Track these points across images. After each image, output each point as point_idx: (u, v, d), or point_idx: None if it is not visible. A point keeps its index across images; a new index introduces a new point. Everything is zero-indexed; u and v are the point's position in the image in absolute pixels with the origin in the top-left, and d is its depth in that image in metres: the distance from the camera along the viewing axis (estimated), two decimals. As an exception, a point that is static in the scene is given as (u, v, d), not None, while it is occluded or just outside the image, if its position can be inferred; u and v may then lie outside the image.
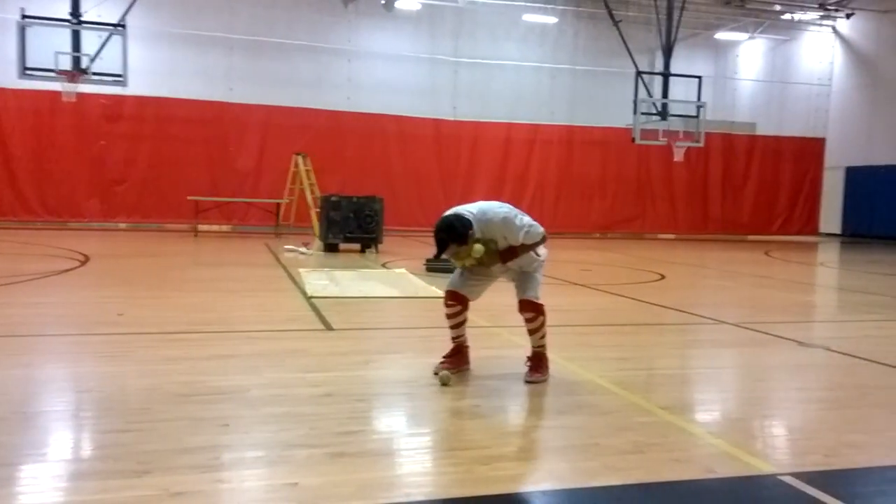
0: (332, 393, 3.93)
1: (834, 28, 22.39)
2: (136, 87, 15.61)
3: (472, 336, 5.71)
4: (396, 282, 8.72)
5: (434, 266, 9.88)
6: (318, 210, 15.05)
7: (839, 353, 5.54)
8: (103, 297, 7.27)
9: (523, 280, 4.54)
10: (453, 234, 4.27)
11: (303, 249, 12.43)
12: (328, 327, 5.82)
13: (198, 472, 2.79)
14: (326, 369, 4.48)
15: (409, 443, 3.33)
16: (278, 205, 17.01)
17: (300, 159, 17.05)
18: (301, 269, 9.58)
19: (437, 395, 3.99)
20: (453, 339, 4.63)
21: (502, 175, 20.41)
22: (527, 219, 4.58)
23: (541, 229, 4.57)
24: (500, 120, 20.37)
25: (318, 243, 13.94)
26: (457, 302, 4.60)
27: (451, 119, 20.28)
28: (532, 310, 4.44)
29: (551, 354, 4.56)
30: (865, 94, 21.50)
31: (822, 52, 22.76)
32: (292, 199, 17.59)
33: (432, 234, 4.35)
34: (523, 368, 4.47)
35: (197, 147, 18.15)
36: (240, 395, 3.85)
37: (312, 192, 16.52)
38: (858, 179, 21.51)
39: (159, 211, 17.92)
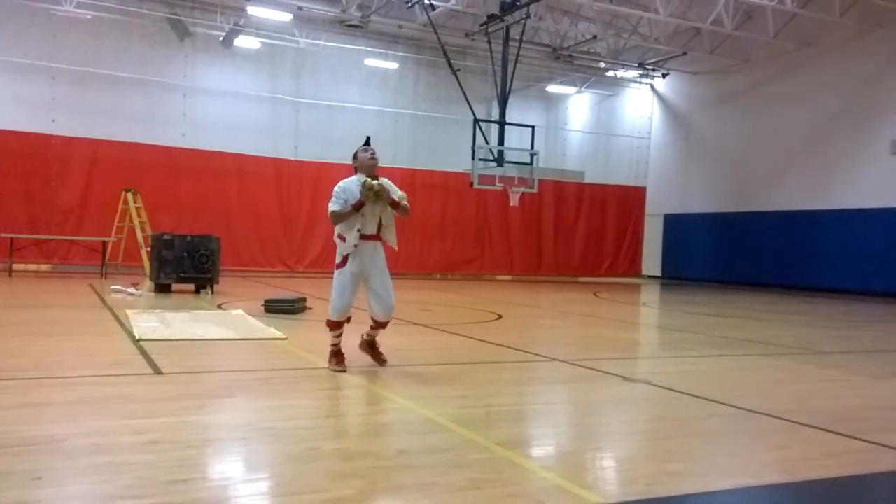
0: (159, 440, 3.66)
1: (652, 86, 24.70)
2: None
3: (311, 377, 5.60)
4: (233, 323, 8.37)
5: (274, 307, 9.61)
6: (149, 249, 14.18)
7: (660, 387, 5.92)
8: None
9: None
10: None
11: (132, 290, 11.66)
12: (157, 371, 5.46)
13: (-5, 538, 2.48)
14: (153, 415, 4.18)
15: (243, 489, 3.16)
16: (105, 243, 15.86)
17: (130, 196, 16.08)
18: (129, 311, 8.95)
19: (274, 440, 3.84)
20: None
21: (346, 216, 20.39)
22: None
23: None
24: (342, 161, 20.33)
25: (148, 284, 13.13)
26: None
27: (293, 159, 20.03)
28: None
29: (390, 394, 4.53)
30: (680, 148, 23.78)
31: (642, 107, 24.98)
32: (121, 238, 16.46)
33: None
34: (363, 407, 4.42)
35: (13, 181, 16.69)
36: (55, 445, 3.51)
37: (143, 230, 15.59)
38: (675, 226, 23.59)
39: (-35, 249, 16.17)
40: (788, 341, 9.29)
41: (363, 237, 5.64)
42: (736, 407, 5.02)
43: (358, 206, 5.53)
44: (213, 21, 19.20)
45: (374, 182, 5.48)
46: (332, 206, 5.60)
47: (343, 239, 5.66)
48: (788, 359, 7.69)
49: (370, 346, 6.11)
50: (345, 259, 5.70)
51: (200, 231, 13.39)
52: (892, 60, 17.76)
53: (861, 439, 4.23)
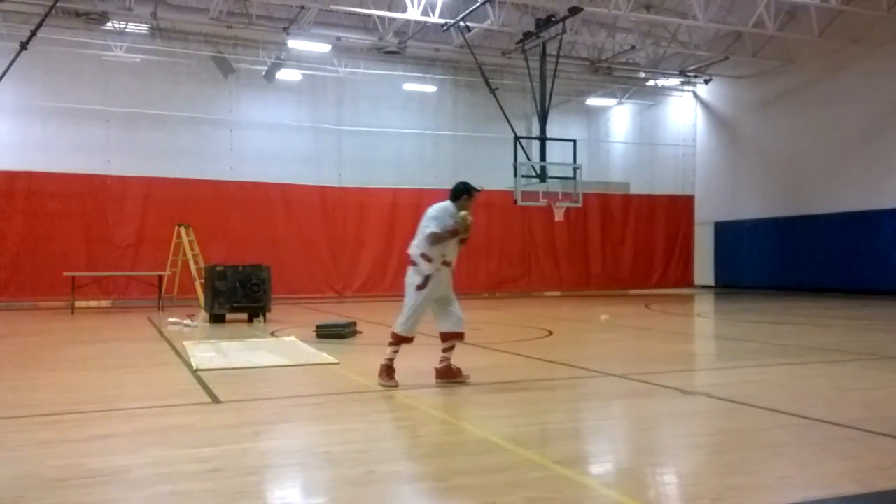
0: (220, 468, 3.72)
1: (694, 93, 24.36)
2: (6, 161, 14.86)
3: (365, 400, 5.63)
4: (286, 350, 8.49)
5: (325, 332, 9.71)
6: (202, 281, 14.52)
7: (719, 399, 5.77)
8: (-41, 383, 6.64)
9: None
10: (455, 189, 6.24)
11: (188, 322, 11.92)
12: (215, 400, 5.56)
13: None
14: (214, 444, 4.25)
15: (302, 516, 3.18)
16: (161, 277, 16.31)
17: (183, 230, 16.52)
18: (186, 342, 9.16)
19: (330, 464, 3.86)
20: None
21: (391, 239, 20.50)
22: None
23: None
24: (385, 185, 20.61)
25: (203, 315, 13.41)
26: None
27: (337, 186, 20.33)
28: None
29: (443, 414, 4.52)
30: (727, 153, 23.34)
31: (685, 115, 24.64)
32: (175, 271, 16.91)
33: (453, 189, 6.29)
34: (417, 429, 4.42)
35: (73, 221, 17.41)
36: (120, 476, 3.59)
37: (196, 263, 15.97)
38: (727, 233, 23.11)
39: (33, 288, 16.97)
40: (853, 347, 8.96)
41: (445, 263, 6.05)
42: (801, 417, 4.87)
43: (452, 234, 5.96)
44: (255, 56, 19.73)
45: (470, 219, 5.98)
46: (434, 228, 5.94)
47: (428, 260, 5.96)
48: (855, 365, 7.43)
49: (449, 370, 6.21)
50: (426, 281, 5.96)
51: (251, 261, 13.66)
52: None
53: (937, 446, 4.06)
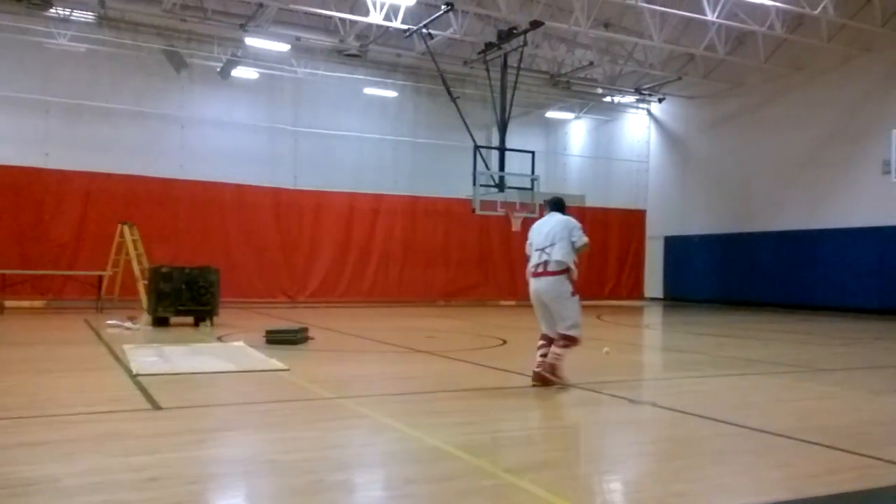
0: (158, 477, 3.58)
1: (648, 111, 24.86)
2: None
3: (315, 408, 5.53)
4: (233, 356, 8.29)
5: (275, 338, 9.54)
6: (146, 282, 14.11)
7: (665, 408, 5.92)
8: None
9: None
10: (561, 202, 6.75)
11: (129, 324, 11.56)
12: (156, 406, 5.38)
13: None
14: (152, 452, 4.10)
15: (244, 526, 3.08)
16: (101, 277, 15.80)
17: (126, 228, 16.02)
18: (126, 346, 8.87)
19: (276, 473, 3.76)
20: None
21: (346, 244, 20.39)
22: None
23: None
24: (342, 189, 20.45)
25: (146, 317, 13.05)
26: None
27: (292, 188, 20.09)
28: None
29: (395, 423, 4.48)
30: (678, 171, 23.86)
31: (639, 131, 25.12)
32: (117, 271, 16.37)
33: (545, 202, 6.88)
34: (368, 437, 4.35)
35: (5, 215, 16.72)
36: (51, 485, 3.43)
37: (140, 263, 15.53)
38: (676, 248, 23.59)
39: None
40: (789, 359, 9.27)
41: None
42: (740, 426, 5.01)
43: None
44: (209, 52, 19.35)
45: None
46: (586, 238, 6.51)
47: (576, 267, 6.48)
48: (790, 377, 7.69)
49: (554, 368, 6.54)
50: (575, 285, 6.51)
51: (199, 262, 13.32)
52: (880, 83, 17.92)
53: (863, 454, 4.23)
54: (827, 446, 4.42)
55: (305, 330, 10.09)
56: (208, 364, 7.59)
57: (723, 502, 3.47)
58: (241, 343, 9.40)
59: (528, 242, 6.79)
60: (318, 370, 7.78)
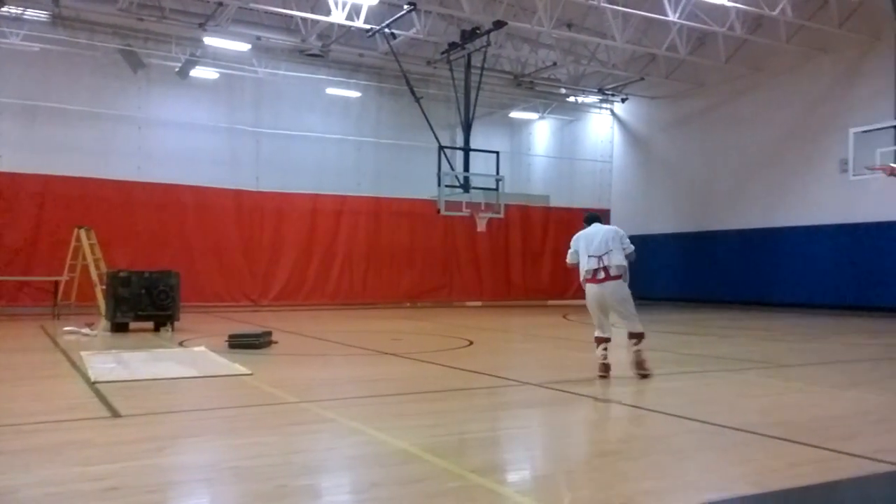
0: (117, 486, 3.48)
1: (612, 111, 25.10)
2: None
3: (278, 413, 5.44)
4: (195, 361, 8.14)
5: (238, 342, 9.39)
6: (104, 287, 13.77)
7: (631, 406, 6.00)
8: None
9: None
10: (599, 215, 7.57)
11: (86, 330, 11.28)
12: (115, 414, 5.24)
13: None
14: (111, 460, 3.99)
15: (206, 536, 3.01)
16: (56, 283, 15.38)
17: (83, 232, 15.60)
18: (83, 353, 8.64)
19: (239, 479, 3.68)
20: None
21: (310, 246, 20.17)
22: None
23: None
24: (305, 191, 20.23)
25: (104, 323, 12.74)
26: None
27: (254, 190, 19.79)
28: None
29: (361, 426, 4.43)
30: (641, 170, 24.13)
31: (603, 131, 25.35)
32: (74, 277, 15.90)
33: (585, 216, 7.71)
34: (333, 441, 4.29)
35: (-45, 220, 16.15)
36: (7, 497, 3.31)
37: (98, 268, 15.14)
38: (639, 246, 23.49)
39: None
40: (752, 356, 9.44)
41: None
42: (705, 422, 5.07)
43: None
44: (167, 52, 18.97)
45: None
46: (633, 246, 7.30)
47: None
48: (753, 373, 7.83)
49: (644, 362, 7.13)
50: None
51: (159, 267, 13.07)
52: (837, 83, 18.34)
53: (823, 448, 4.32)
54: (789, 441, 4.50)
55: (269, 334, 9.95)
56: (169, 370, 7.44)
57: (690, 498, 3.49)
58: (202, 348, 9.23)
59: (571, 251, 7.42)
60: (281, 374, 7.68)
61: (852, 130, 14.84)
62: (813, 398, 6.32)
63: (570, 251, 7.46)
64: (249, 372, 7.20)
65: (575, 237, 7.48)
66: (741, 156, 20.50)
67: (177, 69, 18.94)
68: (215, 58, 19.44)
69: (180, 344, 10.14)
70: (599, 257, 7.14)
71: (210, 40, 18.25)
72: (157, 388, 6.51)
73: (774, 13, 16.42)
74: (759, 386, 6.99)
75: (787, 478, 3.75)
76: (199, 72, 19.39)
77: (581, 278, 7.32)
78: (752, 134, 20.12)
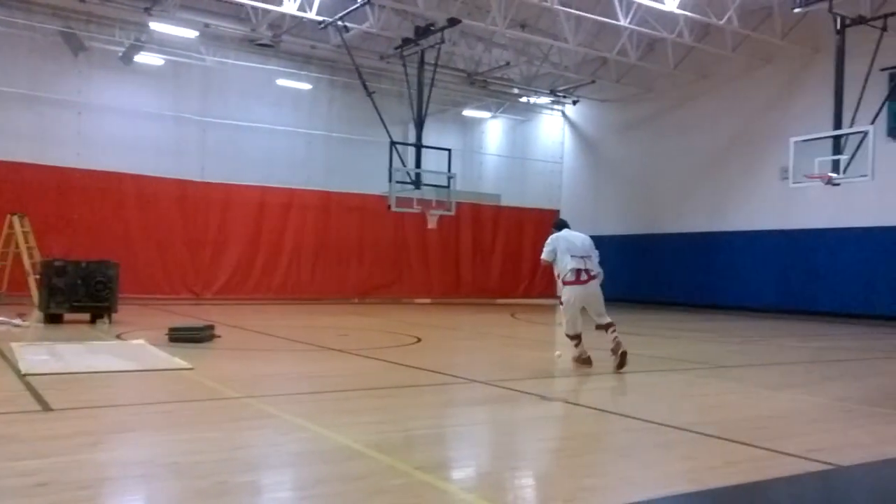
0: (47, 482, 3.34)
1: (563, 112, 25.38)
2: None
3: (220, 408, 5.31)
4: (133, 354, 7.89)
5: (179, 335, 9.15)
6: (37, 276, 13.24)
7: (576, 404, 6.07)
8: None
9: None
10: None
11: (17, 321, 10.83)
12: (46, 408, 5.03)
13: None
14: (41, 455, 3.82)
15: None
16: (-13, 271, 14.73)
17: (16, 220, 14.98)
18: (14, 344, 8.28)
19: (177, 475, 3.57)
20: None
21: (256, 239, 19.78)
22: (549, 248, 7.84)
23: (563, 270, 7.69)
24: (253, 183, 19.84)
25: (36, 314, 12.24)
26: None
27: (199, 180, 19.28)
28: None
29: (305, 422, 4.35)
30: (591, 172, 24.46)
31: (554, 132, 25.62)
32: (5, 265, 15.27)
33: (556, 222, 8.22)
34: (276, 437, 4.20)
35: None
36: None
37: (31, 257, 14.57)
38: (589, 248, 24.04)
39: None
40: (693, 357, 9.69)
41: None
42: (646, 421, 5.16)
43: None
44: (110, 36, 18.36)
45: None
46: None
47: None
48: (693, 373, 8.02)
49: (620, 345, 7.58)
50: None
51: (97, 256, 12.61)
52: (779, 93, 18.93)
53: (759, 447, 4.42)
54: (726, 439, 4.59)
55: (212, 327, 9.73)
56: (105, 363, 7.20)
57: (630, 495, 3.53)
58: (141, 341, 8.96)
59: (549, 249, 7.72)
60: (224, 369, 7.52)
61: (793, 139, 15.27)
62: (749, 399, 6.48)
63: (547, 249, 7.75)
64: (190, 366, 7.01)
65: (553, 237, 7.81)
66: (688, 160, 20.98)
67: (120, 54, 18.36)
68: (161, 44, 18.94)
69: (118, 337, 9.83)
70: (583, 258, 7.62)
71: (156, 26, 17.76)
72: (93, 382, 6.28)
73: (721, 22, 16.85)
74: (699, 386, 7.15)
75: (725, 476, 3.83)
76: (143, 57, 18.86)
77: (561, 278, 7.65)
78: (699, 139, 20.61)
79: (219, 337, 9.63)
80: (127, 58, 18.33)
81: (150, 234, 18.15)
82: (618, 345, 7.54)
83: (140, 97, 19.73)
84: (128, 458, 3.95)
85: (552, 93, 23.94)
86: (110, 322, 11.66)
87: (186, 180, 18.98)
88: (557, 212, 24.65)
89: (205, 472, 3.60)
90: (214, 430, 4.56)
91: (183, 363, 7.14)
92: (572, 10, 16.98)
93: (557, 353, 8.44)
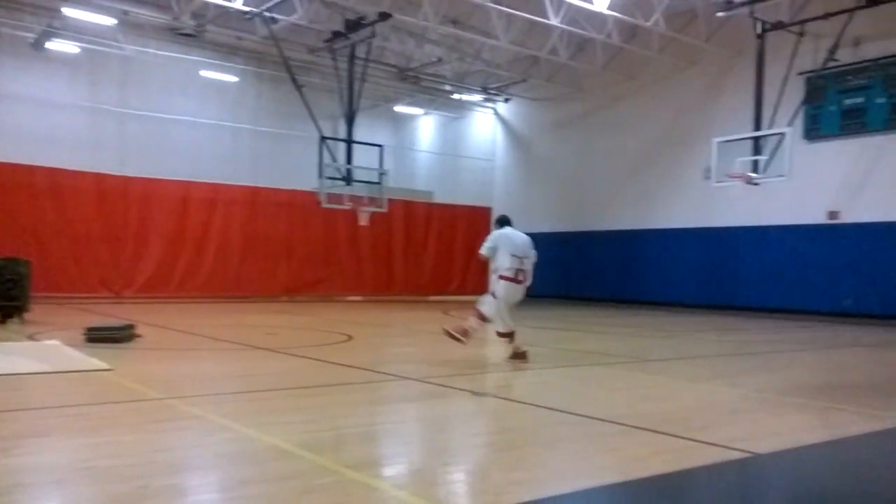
0: (-51, 493, 3.13)
1: (495, 110, 25.55)
2: None
3: (141, 410, 5.11)
4: (47, 355, 7.52)
5: (97, 336, 8.77)
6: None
7: (506, 399, 6.11)
8: None
9: None
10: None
11: (-79, 321, 10.19)
12: (-50, 413, 4.73)
13: None
14: (-56, 464, 3.58)
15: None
16: None
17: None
18: (-83, 345, 7.80)
19: (94, 480, 3.41)
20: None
21: (180, 235, 19.12)
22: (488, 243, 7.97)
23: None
24: (176, 177, 19.17)
25: (-57, 313, 11.55)
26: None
27: (118, 174, 18.47)
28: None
29: (230, 423, 4.22)
30: (522, 170, 24.72)
31: (486, 130, 25.77)
32: None
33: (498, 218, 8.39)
34: (200, 439, 4.07)
35: None
36: None
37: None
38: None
39: None
40: (620, 351, 9.94)
41: None
42: (575, 414, 5.25)
43: None
44: (19, 21, 17.41)
45: None
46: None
47: None
48: (621, 367, 8.21)
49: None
50: None
51: (6, 253, 12.03)
52: (703, 95, 19.57)
53: (683, 437, 4.57)
54: (652, 430, 4.72)
55: (132, 327, 9.36)
56: (16, 364, 6.84)
57: (559, 487, 3.59)
58: (56, 342, 8.55)
59: (489, 245, 7.89)
60: (145, 370, 7.25)
61: (715, 140, 15.80)
62: (673, 391, 6.68)
63: (488, 245, 7.94)
64: (109, 367, 6.73)
65: (497, 234, 8.01)
66: (616, 159, 21.47)
67: (31, 40, 17.46)
68: (76, 31, 18.10)
69: (30, 337, 9.36)
70: (521, 259, 7.85)
71: (70, 11, 16.93)
72: (3, 385, 5.96)
73: (649, 24, 17.28)
74: (626, 379, 7.32)
75: (651, 466, 3.92)
76: (57, 45, 17.97)
77: (498, 273, 7.85)
78: (627, 139, 21.11)
79: (140, 337, 9.27)
80: (39, 45, 17.45)
81: (65, 229, 17.32)
82: (517, 348, 7.86)
83: (54, 86, 18.81)
84: (42, 463, 3.76)
85: (484, 90, 24.08)
86: (22, 321, 11.14)
87: (104, 174, 18.16)
88: (490, 209, 24.87)
89: (125, 477, 3.46)
90: (135, 433, 4.39)
91: (101, 364, 6.84)
92: (503, 8, 17.11)
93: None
